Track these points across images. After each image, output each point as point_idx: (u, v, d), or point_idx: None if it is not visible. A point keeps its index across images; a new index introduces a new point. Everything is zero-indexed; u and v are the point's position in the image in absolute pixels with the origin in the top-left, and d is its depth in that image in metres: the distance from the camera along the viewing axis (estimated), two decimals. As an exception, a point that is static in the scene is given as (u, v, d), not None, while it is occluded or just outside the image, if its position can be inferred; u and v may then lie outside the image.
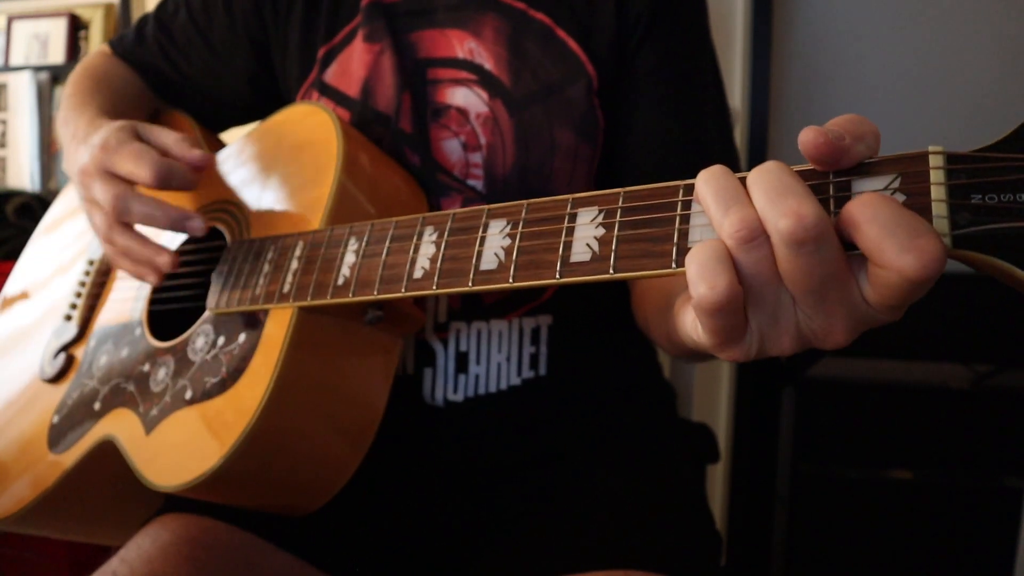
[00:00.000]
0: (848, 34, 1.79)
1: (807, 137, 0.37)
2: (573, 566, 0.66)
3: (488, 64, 0.76)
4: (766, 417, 1.77)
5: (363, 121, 0.78)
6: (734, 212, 0.38)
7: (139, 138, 0.72)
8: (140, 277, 0.71)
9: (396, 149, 0.77)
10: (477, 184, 0.76)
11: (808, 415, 1.67)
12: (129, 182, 0.69)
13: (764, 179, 0.38)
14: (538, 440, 0.78)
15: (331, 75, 0.81)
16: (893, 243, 0.34)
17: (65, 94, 0.88)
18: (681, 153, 0.76)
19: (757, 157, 1.79)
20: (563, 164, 0.76)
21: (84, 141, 0.74)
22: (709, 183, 0.40)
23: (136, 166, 0.67)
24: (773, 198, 0.37)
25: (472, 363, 0.76)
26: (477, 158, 0.76)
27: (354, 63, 0.80)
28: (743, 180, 0.40)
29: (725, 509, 1.83)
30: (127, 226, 0.70)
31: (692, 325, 0.45)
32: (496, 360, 0.76)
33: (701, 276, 0.38)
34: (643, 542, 0.68)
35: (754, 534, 1.83)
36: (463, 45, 0.77)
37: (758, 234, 0.37)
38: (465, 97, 0.76)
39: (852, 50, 1.79)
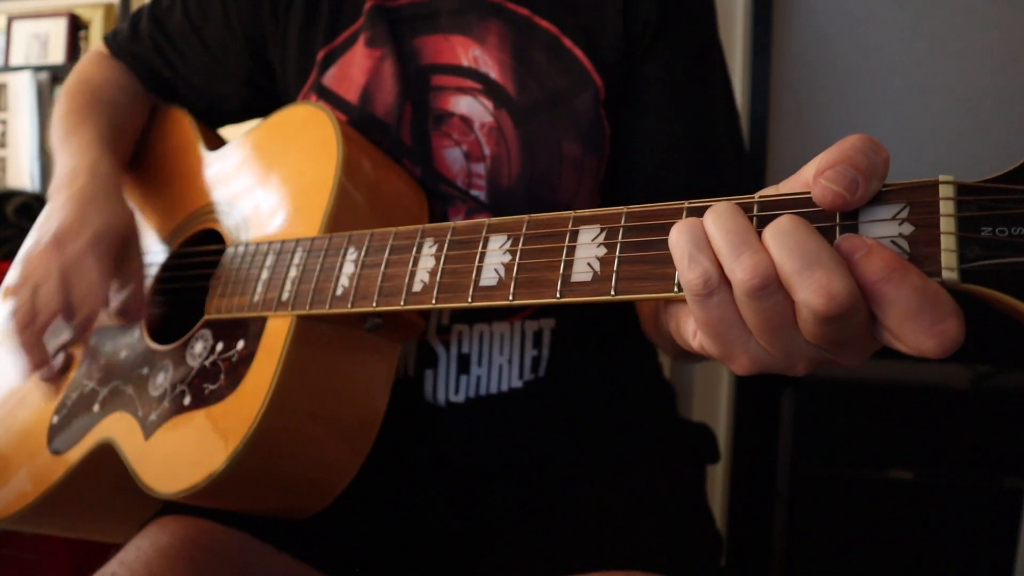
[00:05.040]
0: (848, 34, 1.79)
1: (823, 197, 0.37)
2: (573, 566, 0.66)
3: (493, 73, 0.75)
4: (766, 417, 1.77)
5: (360, 127, 0.77)
6: (746, 259, 0.37)
7: (118, 254, 0.73)
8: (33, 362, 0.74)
9: (394, 159, 0.76)
10: (480, 195, 0.75)
11: (808, 415, 1.67)
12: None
13: (787, 241, 0.37)
14: (539, 441, 0.78)
15: (330, 79, 0.80)
16: (915, 327, 0.34)
17: (59, 108, 0.87)
18: (688, 158, 0.75)
19: (757, 157, 1.79)
20: (569, 175, 0.75)
21: (80, 202, 0.73)
22: (717, 223, 0.39)
23: (99, 285, 0.69)
24: (800, 269, 0.36)
25: (474, 364, 0.76)
26: (480, 168, 0.75)
27: (354, 68, 0.79)
28: (751, 215, 0.40)
29: (725, 509, 1.82)
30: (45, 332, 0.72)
31: (693, 333, 0.45)
32: (498, 362, 0.76)
33: (684, 262, 0.39)
34: (643, 542, 0.68)
35: (754, 534, 1.82)
36: (468, 52, 0.76)
37: (770, 282, 0.37)
38: (469, 106, 0.75)
39: (852, 50, 1.79)
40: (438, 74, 0.77)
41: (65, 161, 0.79)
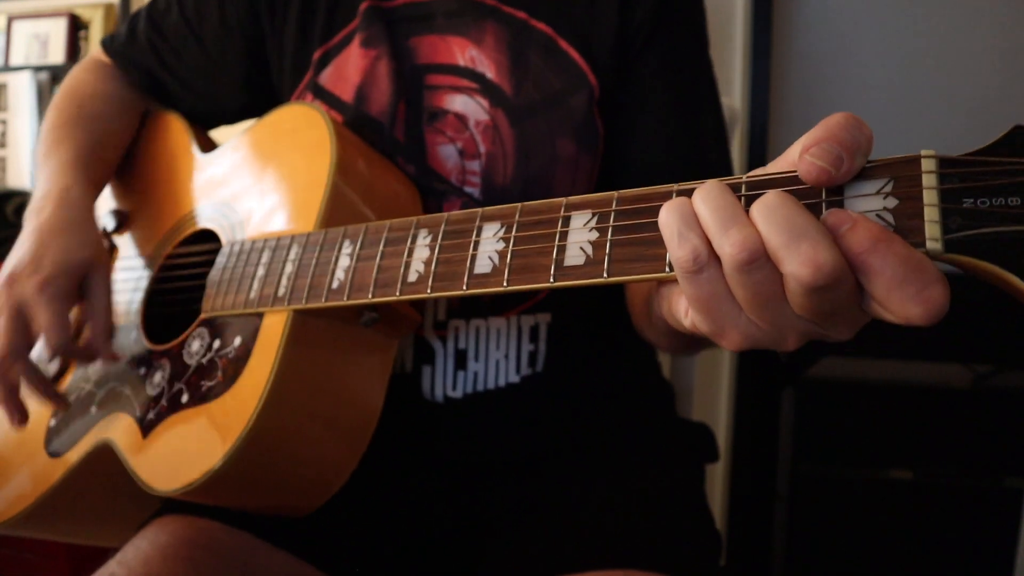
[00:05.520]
0: (848, 34, 1.79)
1: (809, 173, 0.37)
2: (572, 565, 0.66)
3: (490, 72, 0.76)
4: (766, 417, 1.77)
5: (355, 126, 0.77)
6: (735, 234, 0.38)
7: (81, 286, 0.71)
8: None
9: (389, 158, 0.76)
10: (474, 192, 0.76)
11: (808, 415, 1.67)
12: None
13: (774, 216, 0.37)
14: (537, 438, 0.78)
15: (326, 78, 0.80)
16: (902, 295, 0.35)
17: (47, 120, 0.87)
18: (682, 158, 0.76)
19: (757, 157, 1.79)
20: (564, 175, 0.76)
21: (49, 233, 0.72)
22: (706, 200, 0.40)
23: (47, 330, 0.68)
24: (787, 242, 0.36)
25: (471, 360, 0.76)
26: (475, 166, 0.75)
27: (350, 67, 0.79)
28: (739, 195, 0.40)
29: (725, 509, 1.82)
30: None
31: (685, 311, 0.46)
32: (495, 357, 0.76)
33: (674, 240, 0.40)
34: (643, 542, 0.68)
35: (754, 534, 1.82)
36: (464, 53, 0.77)
37: (759, 256, 0.37)
38: (465, 104, 0.76)
39: (852, 50, 1.79)
40: (433, 73, 0.78)
41: (41, 184, 0.79)
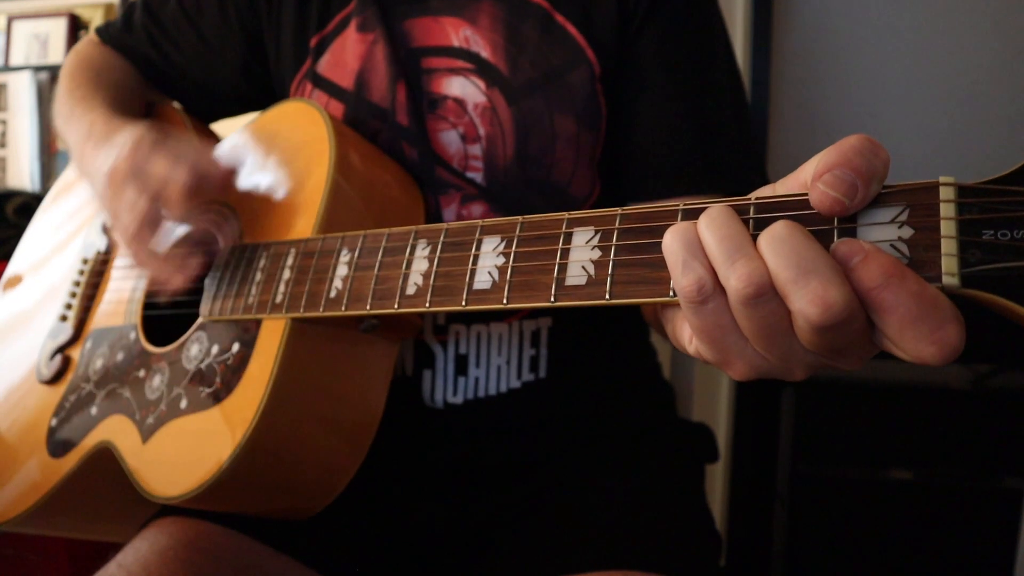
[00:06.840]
0: (848, 34, 1.78)
1: (821, 203, 0.36)
2: (573, 566, 0.66)
3: (485, 52, 0.75)
4: (766, 417, 1.77)
5: (358, 114, 0.77)
6: (741, 266, 0.37)
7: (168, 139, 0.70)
8: (164, 281, 0.70)
9: (394, 143, 0.76)
10: (476, 176, 0.75)
11: (808, 415, 1.67)
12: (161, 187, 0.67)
13: (782, 248, 0.36)
14: (538, 442, 0.78)
15: (324, 66, 0.80)
16: (915, 334, 0.34)
17: (63, 87, 0.86)
18: (689, 137, 0.73)
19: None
20: (565, 153, 0.75)
21: (106, 140, 0.72)
22: (711, 228, 0.38)
23: (173, 168, 0.66)
24: (795, 277, 0.35)
25: (472, 366, 0.76)
26: (476, 150, 0.75)
27: (347, 54, 0.79)
28: (746, 217, 0.39)
29: (725, 509, 1.82)
30: (154, 230, 0.69)
31: (689, 339, 0.44)
32: (496, 363, 0.76)
33: (678, 268, 0.39)
34: (643, 542, 0.68)
35: (754, 534, 1.82)
36: (458, 33, 0.76)
37: (766, 290, 0.36)
38: (462, 87, 0.75)
39: (852, 50, 1.78)
40: (429, 56, 0.77)
41: (77, 128, 0.79)
